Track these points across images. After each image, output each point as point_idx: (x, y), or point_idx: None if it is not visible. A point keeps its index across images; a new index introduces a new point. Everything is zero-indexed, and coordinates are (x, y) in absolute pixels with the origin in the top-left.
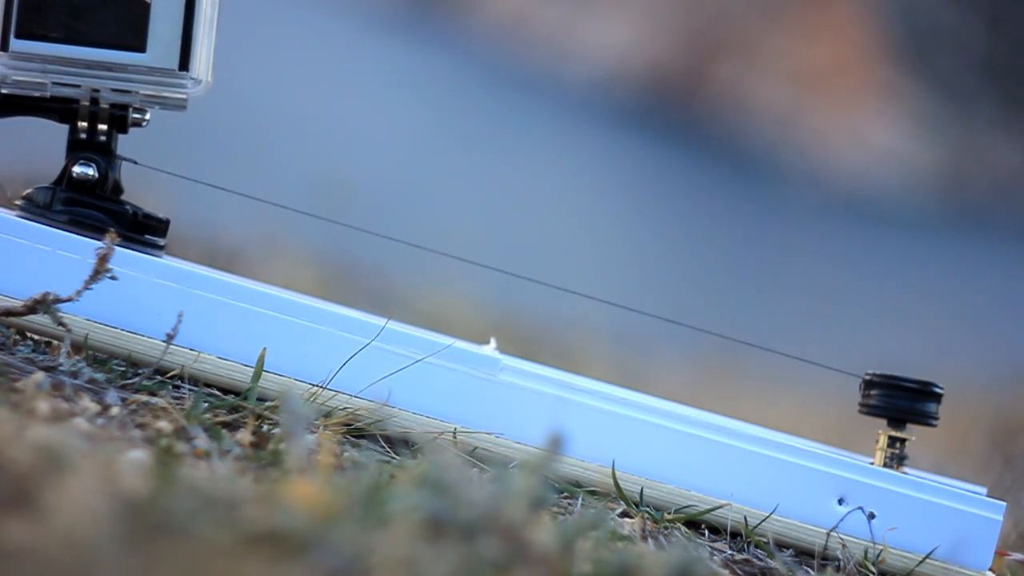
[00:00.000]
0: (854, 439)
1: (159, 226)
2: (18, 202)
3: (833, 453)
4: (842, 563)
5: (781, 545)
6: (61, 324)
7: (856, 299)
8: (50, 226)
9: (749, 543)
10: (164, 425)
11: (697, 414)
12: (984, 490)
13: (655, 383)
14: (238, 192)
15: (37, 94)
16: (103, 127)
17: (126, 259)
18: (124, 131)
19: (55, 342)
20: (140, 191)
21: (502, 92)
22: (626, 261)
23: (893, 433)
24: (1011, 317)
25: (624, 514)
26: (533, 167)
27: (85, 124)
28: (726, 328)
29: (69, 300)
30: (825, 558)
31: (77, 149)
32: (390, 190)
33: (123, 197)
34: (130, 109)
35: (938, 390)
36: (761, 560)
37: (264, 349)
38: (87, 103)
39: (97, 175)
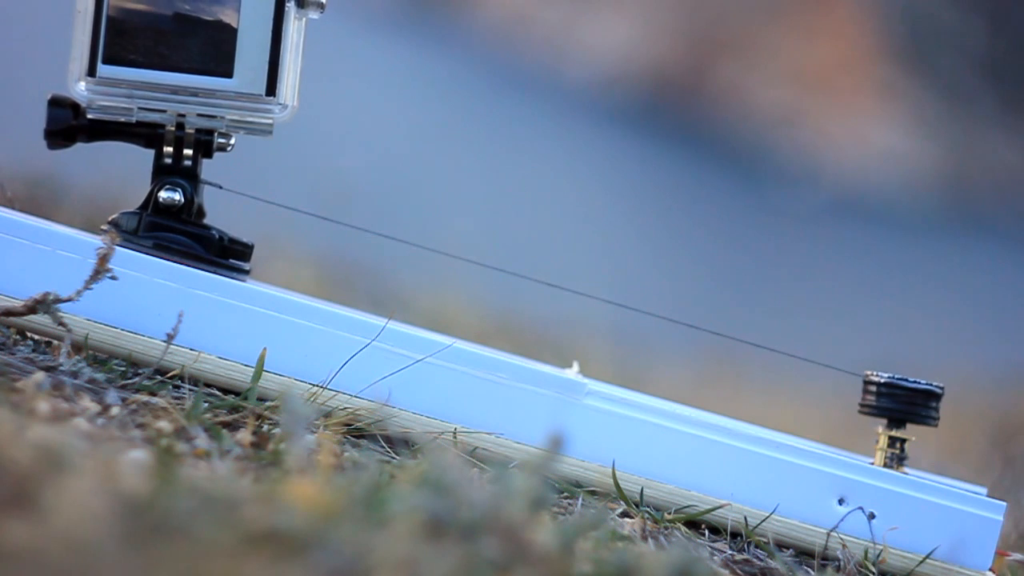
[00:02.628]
0: (854, 439)
1: (244, 250)
2: (104, 227)
3: (833, 453)
4: (842, 563)
5: (781, 545)
6: (61, 324)
7: (856, 299)
8: (136, 251)
9: (749, 543)
10: (164, 425)
11: (697, 414)
12: (984, 490)
13: (655, 383)
14: (238, 192)
15: (123, 119)
16: (188, 152)
17: (126, 259)
18: (209, 156)
19: (55, 342)
20: (140, 192)
21: (502, 92)
22: (626, 260)
23: (893, 433)
24: (1011, 317)
25: (624, 514)
26: (533, 167)
27: (171, 149)
28: (727, 328)
29: (69, 300)
30: (825, 558)
31: (162, 174)
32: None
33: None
34: (215, 134)
35: (938, 390)
36: (761, 560)
37: (264, 349)
38: (172, 128)
39: (183, 200)
